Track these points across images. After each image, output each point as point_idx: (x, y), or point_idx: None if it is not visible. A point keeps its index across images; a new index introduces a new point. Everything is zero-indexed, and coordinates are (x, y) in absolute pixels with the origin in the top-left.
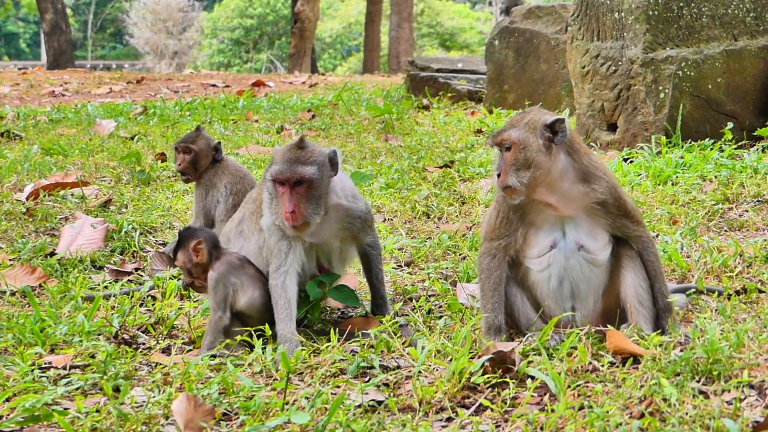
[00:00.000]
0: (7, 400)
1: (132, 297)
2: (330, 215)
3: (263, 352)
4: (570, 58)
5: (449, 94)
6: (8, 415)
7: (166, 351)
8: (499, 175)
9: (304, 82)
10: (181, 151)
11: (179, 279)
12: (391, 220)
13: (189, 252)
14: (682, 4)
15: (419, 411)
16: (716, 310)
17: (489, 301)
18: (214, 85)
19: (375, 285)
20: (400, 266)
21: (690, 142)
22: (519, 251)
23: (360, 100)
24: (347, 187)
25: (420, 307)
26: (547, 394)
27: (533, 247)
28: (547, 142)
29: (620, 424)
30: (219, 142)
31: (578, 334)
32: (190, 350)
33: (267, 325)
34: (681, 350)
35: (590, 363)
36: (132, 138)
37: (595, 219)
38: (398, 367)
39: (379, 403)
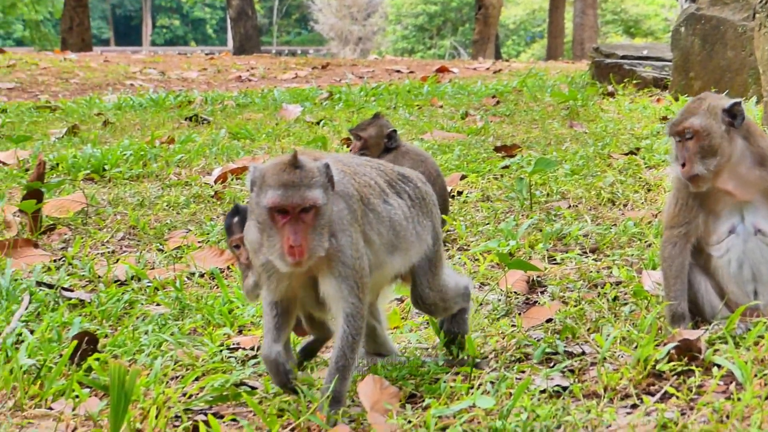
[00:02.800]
0: (197, 379)
1: None
2: None
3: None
4: (757, 45)
5: (634, 81)
6: (197, 394)
7: None
8: (683, 165)
9: (487, 68)
10: (354, 138)
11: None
12: (576, 206)
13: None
14: None
15: (604, 397)
16: None
17: (671, 288)
18: (398, 71)
19: (329, 372)
20: (585, 253)
21: None
22: (701, 238)
23: (544, 87)
24: (335, 213)
25: (605, 293)
26: (734, 383)
27: (713, 233)
28: (727, 127)
29: None
30: (394, 130)
31: (765, 323)
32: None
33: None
34: None
35: None
36: (318, 123)
37: None
38: (583, 353)
39: (564, 388)
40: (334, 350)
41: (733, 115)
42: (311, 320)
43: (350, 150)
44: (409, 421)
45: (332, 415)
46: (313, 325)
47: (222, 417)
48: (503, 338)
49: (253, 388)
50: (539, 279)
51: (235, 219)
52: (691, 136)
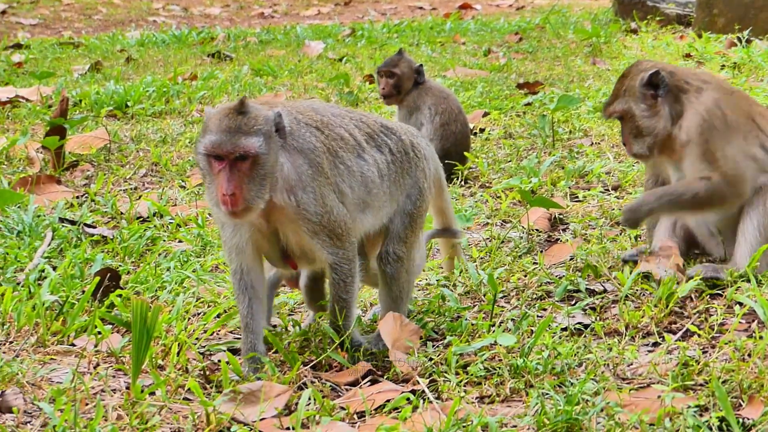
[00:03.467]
0: (218, 316)
1: None
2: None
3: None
4: None
5: (657, 18)
6: (219, 331)
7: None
8: (624, 144)
9: (510, 5)
10: (384, 75)
11: None
12: (599, 143)
13: None
14: None
15: (625, 335)
16: None
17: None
18: (421, 8)
19: (331, 311)
20: (607, 190)
21: None
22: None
23: (567, 24)
24: (293, 169)
25: (627, 232)
26: (756, 321)
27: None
28: (652, 101)
29: None
30: (421, 65)
31: None
32: None
33: None
34: None
35: None
36: (340, 59)
37: None
38: (605, 290)
39: (586, 326)
40: (330, 296)
41: (655, 85)
42: (311, 292)
43: (381, 88)
44: (431, 359)
45: (354, 352)
46: (313, 298)
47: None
48: (525, 276)
49: (274, 325)
50: (561, 216)
51: None
52: (619, 117)
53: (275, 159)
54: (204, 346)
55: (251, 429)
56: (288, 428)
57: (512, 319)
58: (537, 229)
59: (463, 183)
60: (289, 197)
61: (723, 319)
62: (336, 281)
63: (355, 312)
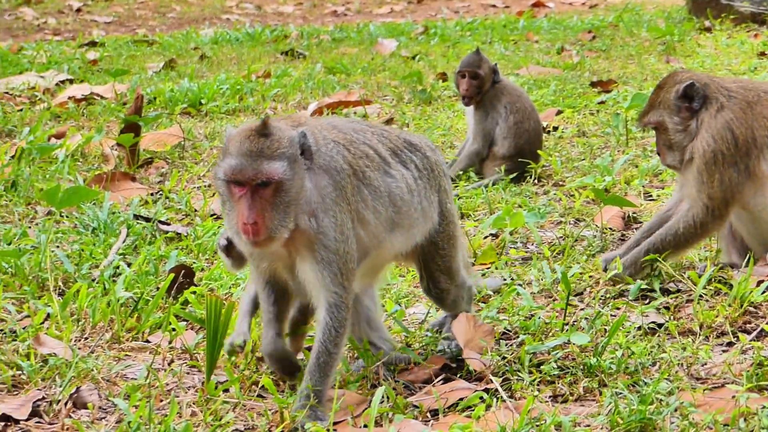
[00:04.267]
0: None
1: None
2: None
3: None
4: None
5: (731, 16)
6: None
7: None
8: (658, 153)
9: (584, 3)
10: (468, 76)
11: None
12: None
13: None
14: None
15: (699, 335)
16: None
17: None
18: (493, 6)
19: (310, 367)
20: None
21: None
22: None
23: (640, 22)
24: (316, 190)
25: None
26: None
27: None
28: (686, 113)
29: None
30: (496, 64)
31: None
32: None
33: None
34: None
35: None
36: (413, 57)
37: None
38: (678, 290)
39: (659, 325)
40: (315, 344)
41: (690, 97)
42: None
43: (463, 89)
44: (504, 357)
45: (306, 419)
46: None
47: None
48: (598, 274)
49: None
50: (635, 215)
51: None
52: (654, 128)
53: (300, 184)
54: None
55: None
56: (362, 426)
57: (586, 318)
58: (611, 228)
59: (536, 181)
60: (310, 219)
61: None
62: (327, 328)
63: (333, 378)
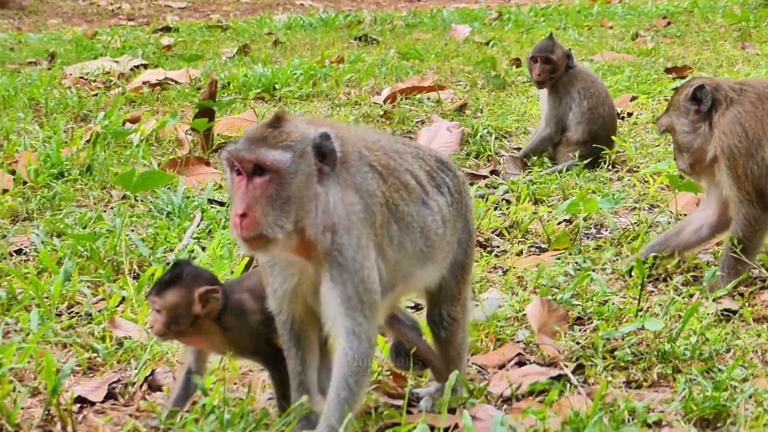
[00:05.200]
0: None
1: (487, 200)
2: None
3: None
4: None
5: None
6: None
7: (520, 254)
8: (674, 159)
9: None
10: (540, 61)
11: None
12: None
13: (191, 297)
14: None
15: None
16: None
17: None
18: None
19: (329, 404)
20: None
21: None
22: None
23: (716, 8)
24: (342, 205)
25: None
26: None
27: None
28: (695, 116)
29: None
30: (570, 49)
31: None
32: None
33: None
34: None
35: None
36: (487, 43)
37: None
38: (753, 277)
39: (734, 312)
40: (333, 378)
41: (699, 100)
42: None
43: (536, 74)
44: (578, 343)
45: None
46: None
47: None
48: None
49: None
50: None
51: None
52: (669, 132)
53: (305, 183)
54: None
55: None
56: (434, 411)
57: (660, 304)
58: (685, 214)
59: (610, 167)
60: (325, 234)
61: None
62: (347, 358)
63: (353, 414)
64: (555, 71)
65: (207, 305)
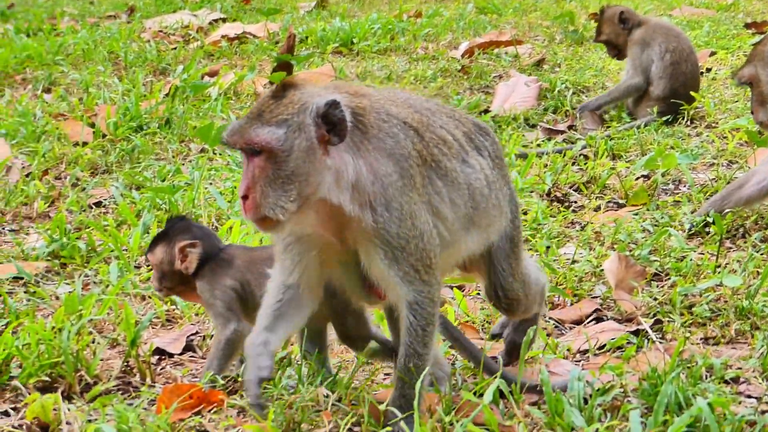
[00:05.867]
0: None
1: (564, 155)
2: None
3: None
4: None
5: None
6: None
7: (598, 210)
8: (752, 111)
9: None
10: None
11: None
12: None
13: (173, 252)
14: None
15: None
16: None
17: None
18: None
19: (398, 370)
20: None
21: None
22: None
23: None
24: (374, 178)
25: None
26: None
27: None
28: None
29: None
30: (622, 11)
31: None
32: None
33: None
34: None
35: None
36: None
37: None
38: None
39: None
40: (401, 347)
41: None
42: (343, 333)
43: (608, 54)
44: (655, 299)
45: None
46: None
47: None
48: (752, 217)
49: None
50: None
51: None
52: (748, 83)
53: (306, 158)
54: None
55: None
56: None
57: (738, 261)
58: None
59: (689, 123)
60: (364, 211)
61: None
62: (413, 327)
63: (425, 377)
64: (616, 44)
65: (185, 259)
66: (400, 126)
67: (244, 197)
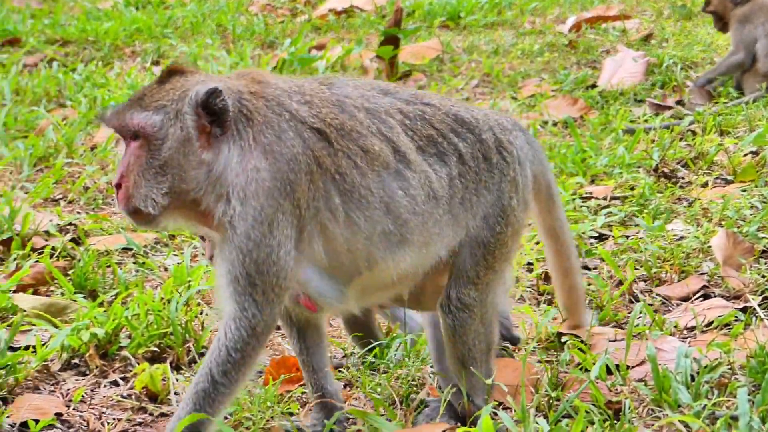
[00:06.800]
0: None
1: (672, 131)
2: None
3: None
4: None
5: None
6: None
7: (705, 186)
8: None
9: None
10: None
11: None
12: None
13: None
14: None
15: None
16: None
17: None
18: None
19: (185, 395)
20: None
21: None
22: None
23: None
24: (241, 170)
25: None
26: None
27: None
28: None
29: None
30: None
31: None
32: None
33: None
34: None
35: None
36: None
37: None
38: None
39: None
40: (203, 363)
41: None
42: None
43: (714, 27)
44: (763, 276)
45: None
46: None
47: None
48: None
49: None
50: None
51: None
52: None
53: (181, 150)
54: None
55: (581, 341)
56: (618, 339)
57: None
58: None
59: None
60: (218, 204)
61: None
62: (219, 345)
63: (218, 412)
64: (723, 16)
65: None
66: (295, 124)
67: (118, 185)
